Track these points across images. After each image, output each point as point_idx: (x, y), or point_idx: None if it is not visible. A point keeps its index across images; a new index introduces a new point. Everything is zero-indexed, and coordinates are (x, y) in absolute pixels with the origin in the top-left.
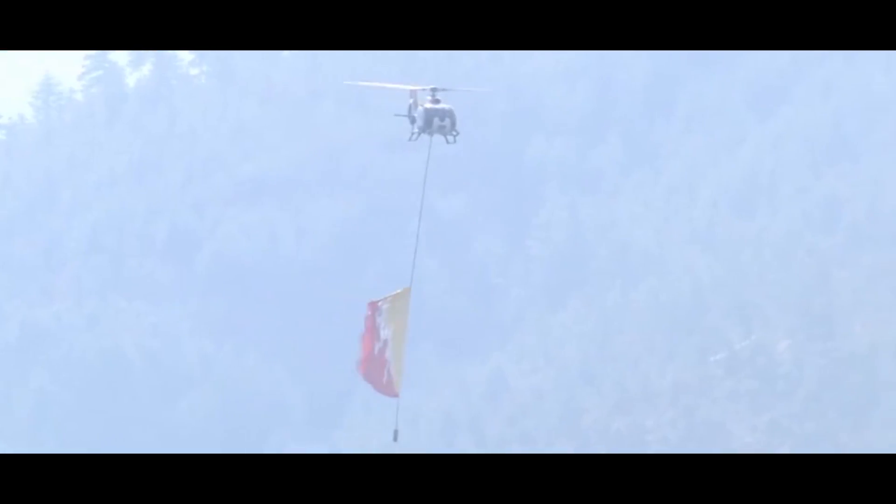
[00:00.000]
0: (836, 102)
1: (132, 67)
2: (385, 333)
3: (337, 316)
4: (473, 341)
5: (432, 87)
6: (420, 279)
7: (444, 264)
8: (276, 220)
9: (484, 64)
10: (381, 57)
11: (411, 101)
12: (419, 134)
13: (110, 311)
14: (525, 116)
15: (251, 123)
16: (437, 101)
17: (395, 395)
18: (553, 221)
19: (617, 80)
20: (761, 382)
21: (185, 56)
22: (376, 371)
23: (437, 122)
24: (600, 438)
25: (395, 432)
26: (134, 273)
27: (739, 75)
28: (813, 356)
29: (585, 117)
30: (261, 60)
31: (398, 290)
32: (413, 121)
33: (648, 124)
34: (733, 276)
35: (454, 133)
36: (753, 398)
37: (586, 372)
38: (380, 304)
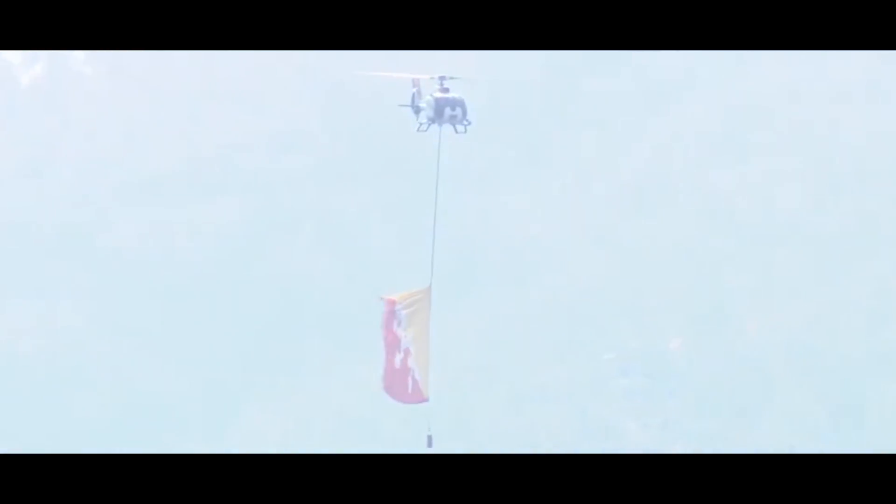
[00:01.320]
0: (730, 102)
1: (25, 66)
2: (406, 341)
3: (230, 314)
4: (368, 340)
5: (440, 75)
6: (314, 278)
7: (339, 263)
8: (169, 219)
9: (381, 60)
10: (282, 56)
11: (414, 90)
12: (429, 124)
13: (3, 309)
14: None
15: (145, 121)
16: (447, 90)
17: (425, 401)
18: (447, 220)
19: (512, 76)
20: (654, 381)
21: (78, 54)
22: (400, 382)
23: (448, 112)
24: (493, 438)
25: (430, 437)
26: (27, 271)
27: (635, 73)
28: (706, 355)
29: (480, 114)
30: (155, 58)
31: (416, 290)
32: (417, 111)
33: (544, 122)
34: (627, 274)
35: (466, 122)
36: (646, 397)
37: (480, 371)
38: (397, 307)
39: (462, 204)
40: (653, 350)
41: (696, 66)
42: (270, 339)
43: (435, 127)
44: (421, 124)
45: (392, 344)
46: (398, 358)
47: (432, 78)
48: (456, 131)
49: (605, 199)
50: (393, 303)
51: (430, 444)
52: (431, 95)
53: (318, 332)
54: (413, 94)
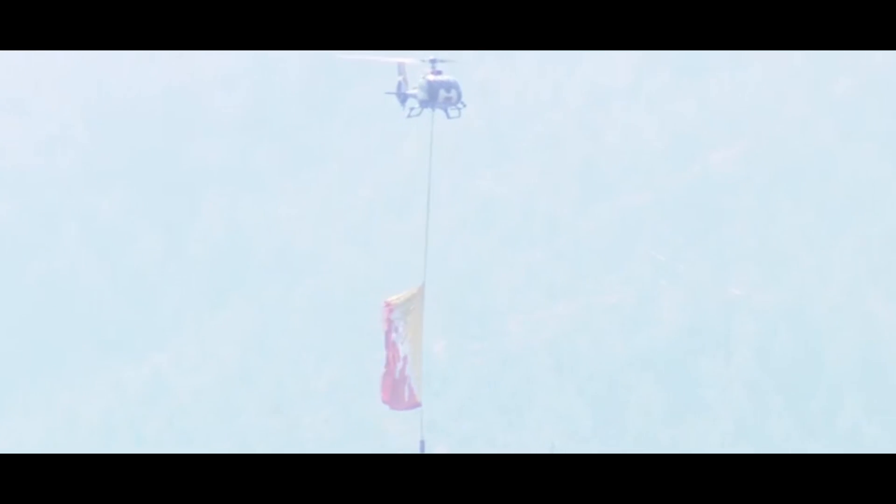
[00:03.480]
0: (493, 103)
1: None
2: (404, 348)
3: None
4: (132, 342)
5: (431, 58)
6: (78, 279)
7: (103, 264)
8: None
9: (144, 61)
10: (45, 57)
11: (400, 78)
12: (421, 109)
13: None
14: (183, 116)
15: None
16: (440, 73)
17: (419, 406)
18: (212, 222)
19: (275, 80)
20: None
21: None
22: (399, 392)
23: (443, 94)
24: (258, 438)
25: (422, 442)
26: None
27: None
28: (469, 356)
29: (245, 117)
30: None
31: (409, 290)
32: (403, 99)
33: (308, 125)
34: (390, 275)
35: (460, 105)
36: None
37: (245, 371)
38: (394, 314)
39: (229, 207)
40: None
41: (459, 67)
42: (33, 340)
43: (424, 112)
44: (412, 109)
45: (393, 353)
46: (398, 367)
47: (423, 61)
48: (448, 116)
49: (369, 201)
50: (390, 309)
51: (422, 449)
52: (424, 78)
53: (82, 334)
54: (399, 82)
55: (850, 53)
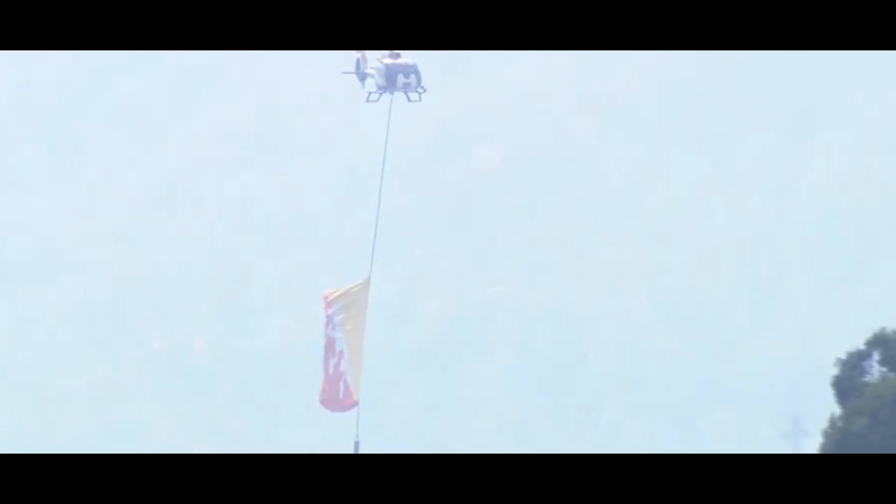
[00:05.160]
0: (259, 102)
1: None
2: (341, 344)
3: None
4: None
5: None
6: None
7: None
8: None
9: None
10: None
11: (359, 56)
12: (380, 93)
13: None
14: None
15: None
16: (398, 56)
17: (356, 405)
18: None
19: (32, 76)
20: (180, 380)
21: None
22: (332, 390)
23: (401, 79)
24: (13, 438)
25: (357, 443)
26: None
27: (162, 74)
28: (231, 354)
29: (2, 114)
30: None
31: (353, 284)
32: (363, 78)
33: (70, 121)
34: (153, 274)
35: (420, 90)
36: (173, 396)
37: (0, 370)
38: (332, 309)
39: None
40: (179, 349)
41: (221, 66)
42: None
43: (386, 96)
44: (371, 93)
45: (328, 349)
46: (332, 363)
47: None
48: (409, 100)
49: (130, 199)
50: (328, 303)
51: (357, 449)
52: (380, 62)
53: None
54: (358, 60)
55: (612, 53)
